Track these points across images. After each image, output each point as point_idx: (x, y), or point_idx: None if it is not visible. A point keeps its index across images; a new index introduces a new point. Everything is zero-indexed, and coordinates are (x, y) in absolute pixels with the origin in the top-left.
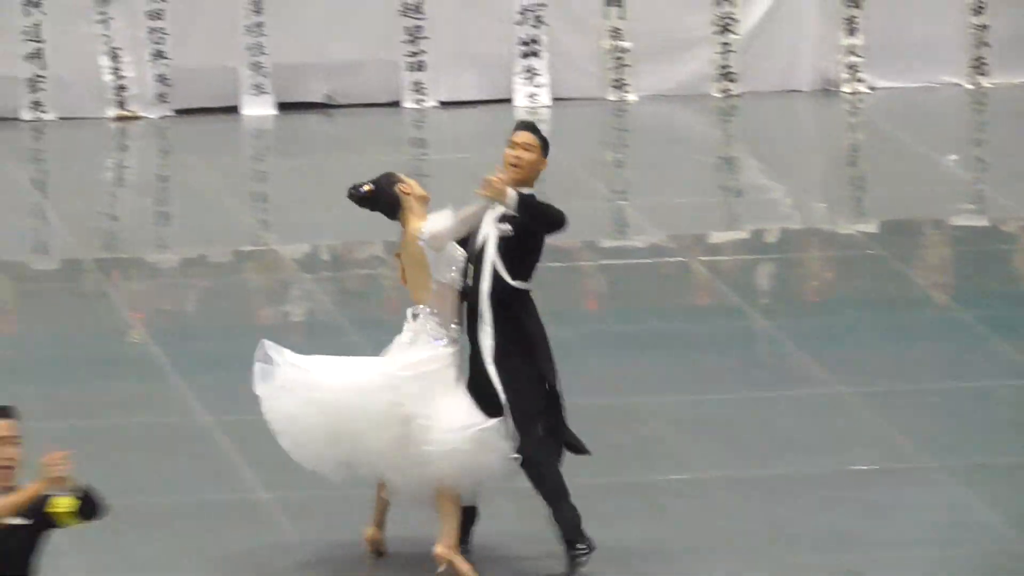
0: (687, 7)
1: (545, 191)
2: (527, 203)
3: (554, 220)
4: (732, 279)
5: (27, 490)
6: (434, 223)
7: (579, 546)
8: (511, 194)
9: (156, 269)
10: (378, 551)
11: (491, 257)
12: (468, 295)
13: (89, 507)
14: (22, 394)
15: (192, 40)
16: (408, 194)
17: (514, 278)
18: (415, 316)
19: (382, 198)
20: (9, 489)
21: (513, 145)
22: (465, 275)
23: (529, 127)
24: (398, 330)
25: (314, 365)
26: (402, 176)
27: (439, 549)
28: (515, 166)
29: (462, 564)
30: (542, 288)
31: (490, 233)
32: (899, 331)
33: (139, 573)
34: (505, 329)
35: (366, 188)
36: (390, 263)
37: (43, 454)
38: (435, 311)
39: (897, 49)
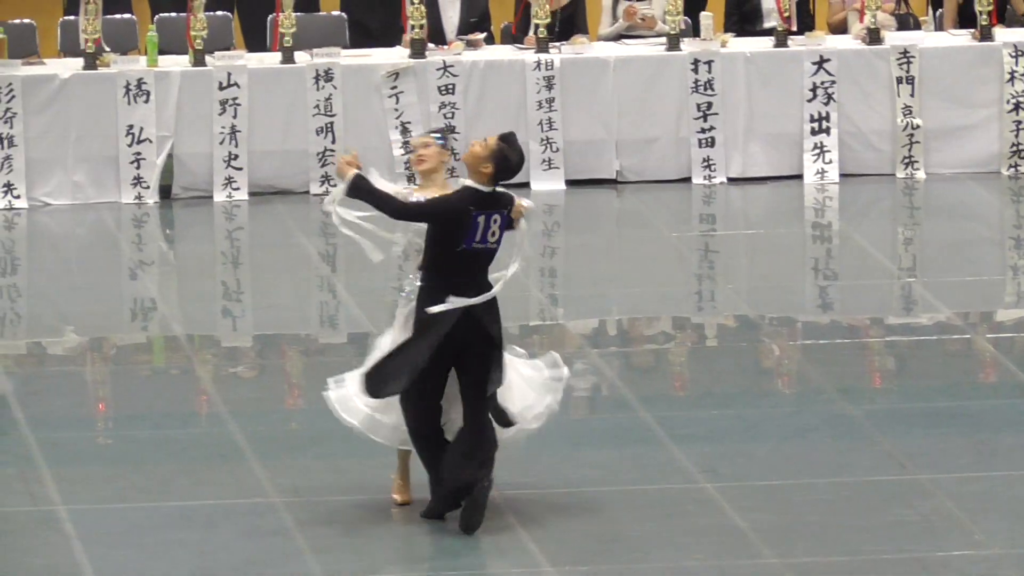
0: (978, 84)
1: (834, 267)
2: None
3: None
4: (1019, 357)
5: None
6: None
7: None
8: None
9: None
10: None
11: None
12: None
13: None
14: (310, 467)
15: (483, 115)
16: None
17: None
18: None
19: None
20: None
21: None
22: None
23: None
24: (685, 404)
25: None
26: None
27: None
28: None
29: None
30: (830, 365)
31: None
32: None
33: None
34: None
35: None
36: (678, 338)
37: None
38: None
39: None
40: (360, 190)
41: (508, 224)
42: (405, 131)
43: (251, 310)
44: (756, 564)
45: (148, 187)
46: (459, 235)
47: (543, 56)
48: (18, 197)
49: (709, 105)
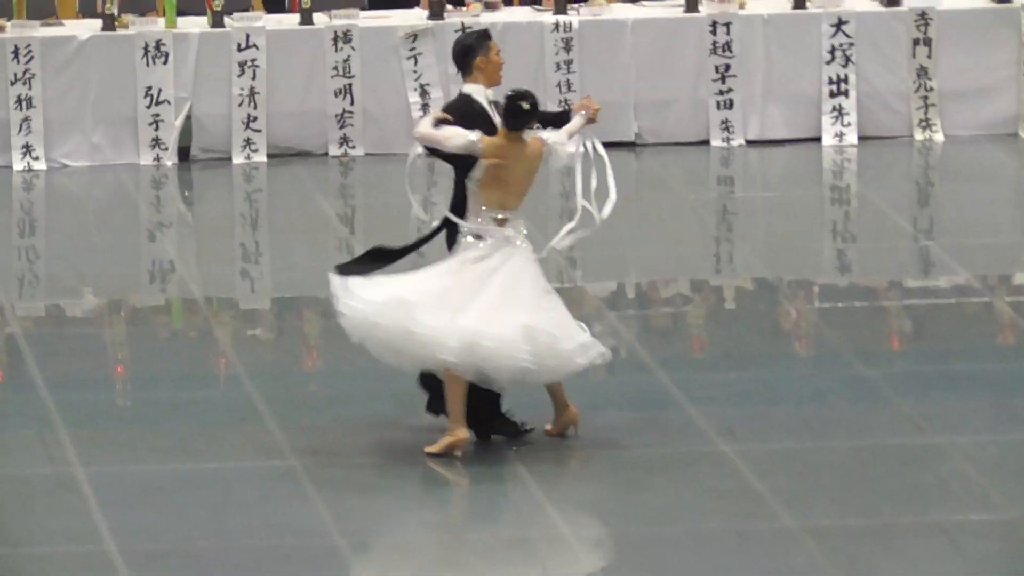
0: (995, 46)
1: (852, 230)
2: None
3: None
4: None
5: None
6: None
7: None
8: None
9: None
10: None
11: None
12: None
13: None
14: (327, 429)
15: (503, 77)
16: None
17: None
18: (508, 221)
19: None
20: None
21: (499, 52)
22: None
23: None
24: (703, 366)
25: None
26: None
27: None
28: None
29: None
30: (847, 327)
31: None
32: None
33: None
34: None
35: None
36: (696, 301)
37: None
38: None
39: None
40: None
41: None
42: (424, 93)
43: (270, 272)
44: (774, 527)
45: (166, 149)
46: None
47: (561, 17)
48: (37, 159)
49: (727, 67)
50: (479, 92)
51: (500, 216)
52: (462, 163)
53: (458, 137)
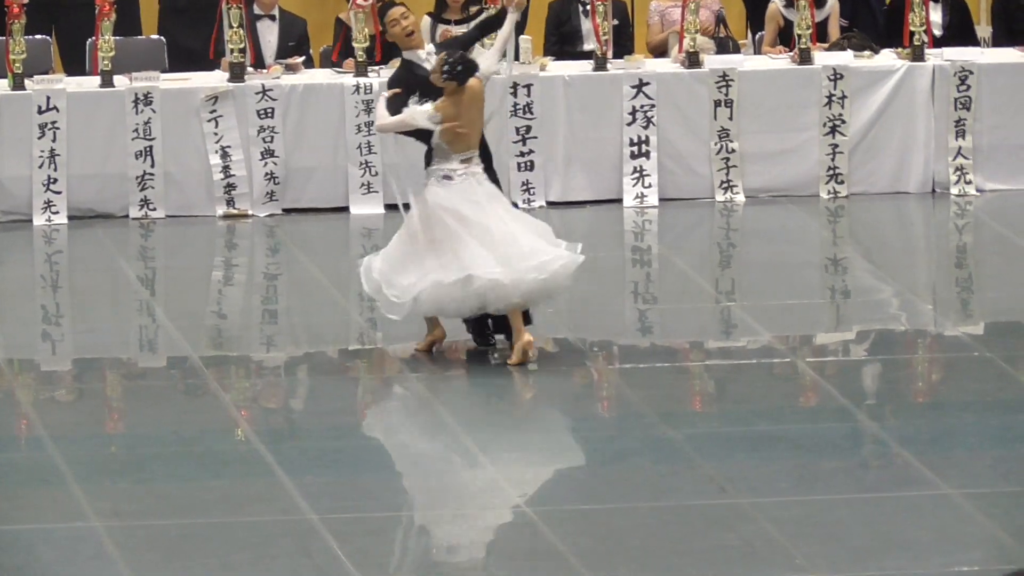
0: (796, 108)
1: (654, 291)
2: None
3: None
4: (839, 380)
5: None
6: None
7: None
8: None
9: (263, 367)
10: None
11: None
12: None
13: None
14: (129, 492)
15: (302, 138)
16: None
17: None
18: (472, 160)
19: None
20: None
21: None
22: None
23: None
24: (503, 429)
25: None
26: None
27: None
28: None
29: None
30: (650, 388)
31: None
32: (1006, 432)
33: None
34: None
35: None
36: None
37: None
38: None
39: (1006, 151)
40: None
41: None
42: (225, 155)
43: (71, 334)
44: None
45: None
46: None
47: (362, 79)
48: None
49: (528, 129)
50: (417, 56)
51: (466, 156)
52: (425, 135)
53: (418, 116)
